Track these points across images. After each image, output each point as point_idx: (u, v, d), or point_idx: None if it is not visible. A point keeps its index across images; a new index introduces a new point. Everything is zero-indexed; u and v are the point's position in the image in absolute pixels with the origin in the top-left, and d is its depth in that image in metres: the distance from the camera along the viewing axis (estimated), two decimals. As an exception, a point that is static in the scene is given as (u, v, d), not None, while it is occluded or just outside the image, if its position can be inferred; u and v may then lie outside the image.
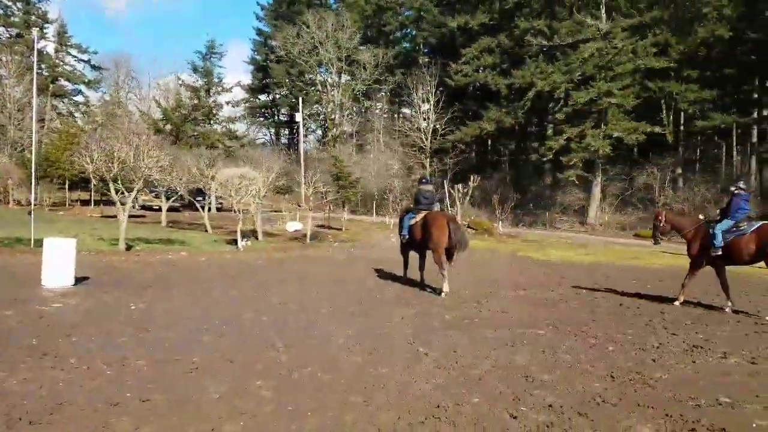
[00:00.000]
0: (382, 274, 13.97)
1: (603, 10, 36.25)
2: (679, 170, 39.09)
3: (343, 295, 10.47)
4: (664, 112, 40.39)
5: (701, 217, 10.59)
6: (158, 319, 7.88)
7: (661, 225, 10.56)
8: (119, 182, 17.65)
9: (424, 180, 12.69)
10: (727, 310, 9.55)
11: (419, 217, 11.32)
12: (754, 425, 4.36)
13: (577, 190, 39.30)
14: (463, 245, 10.97)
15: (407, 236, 11.64)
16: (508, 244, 25.67)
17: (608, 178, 38.69)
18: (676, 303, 10.02)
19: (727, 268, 9.96)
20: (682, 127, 41.33)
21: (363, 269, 15.21)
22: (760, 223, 9.64)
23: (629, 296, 11.01)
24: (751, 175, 38.86)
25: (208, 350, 6.22)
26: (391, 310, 9.10)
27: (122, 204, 17.63)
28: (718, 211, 10.45)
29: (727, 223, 9.58)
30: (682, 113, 40.28)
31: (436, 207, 12.25)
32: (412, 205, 12.80)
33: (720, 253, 9.55)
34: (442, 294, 10.46)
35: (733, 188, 9.97)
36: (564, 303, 10.08)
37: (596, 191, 37.66)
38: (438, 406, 4.58)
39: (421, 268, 11.97)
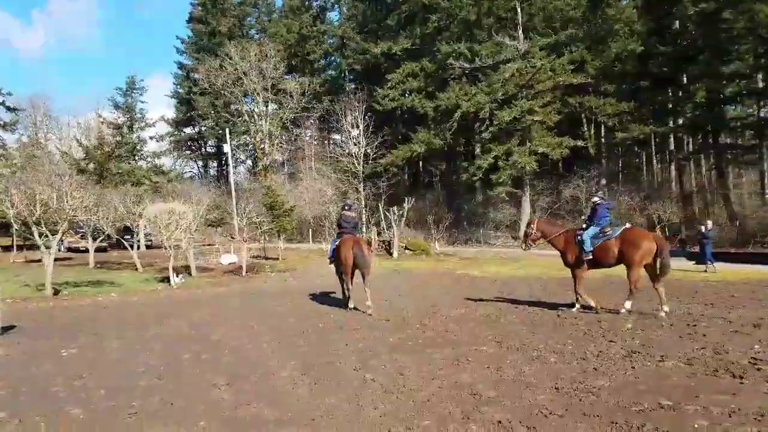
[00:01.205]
0: (323, 301, 13.86)
1: (520, 31, 38.02)
2: (604, 181, 41.09)
3: (284, 326, 10.26)
4: (585, 125, 42.60)
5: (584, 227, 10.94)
6: (92, 364, 7.45)
7: (533, 233, 11.26)
8: (42, 225, 16.66)
9: (346, 206, 13.42)
10: (573, 310, 10.62)
11: (339, 241, 12.32)
12: (696, 426, 4.57)
13: (508, 206, 40.57)
14: (364, 266, 11.82)
15: (331, 259, 12.81)
16: (446, 263, 26.10)
17: (536, 193, 40.14)
18: (574, 309, 10.71)
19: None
20: (603, 140, 43.67)
21: (302, 298, 15.00)
22: (624, 227, 10.61)
23: (566, 307, 11.34)
24: (671, 181, 41.59)
25: (147, 394, 5.93)
26: (334, 337, 9.00)
27: (47, 247, 16.64)
28: (583, 218, 11.35)
29: (593, 230, 10.48)
30: (603, 126, 42.58)
31: (357, 232, 13.15)
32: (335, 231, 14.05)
33: (591, 257, 10.40)
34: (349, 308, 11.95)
35: (595, 198, 11.07)
36: (504, 318, 10.31)
37: (526, 206, 38.97)
38: (388, 431, 4.55)
39: (347, 289, 12.53)
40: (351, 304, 12.13)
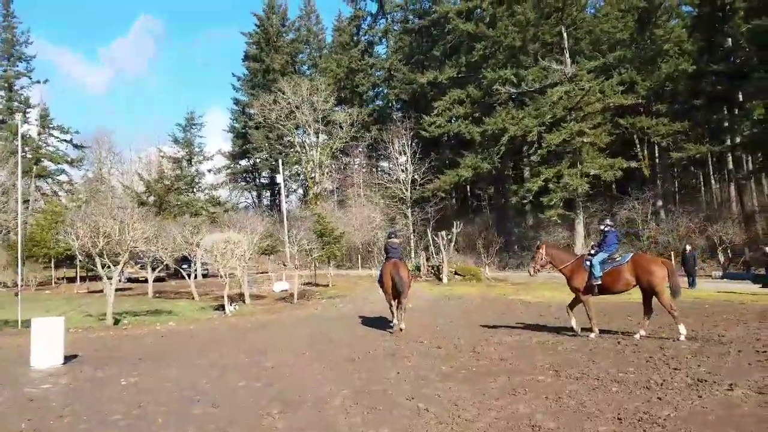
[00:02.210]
0: (373, 327, 13.83)
1: (567, 55, 37.61)
2: (660, 202, 39.73)
3: (335, 354, 10.25)
4: (638, 146, 41.44)
5: (591, 251, 11.12)
6: (150, 393, 7.62)
7: (542, 258, 11.23)
8: (105, 257, 17.39)
9: (392, 234, 14.59)
10: (592, 336, 10.51)
11: (383, 266, 13.65)
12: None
13: (561, 229, 39.61)
14: (401, 288, 12.81)
15: (380, 284, 13.93)
16: (497, 288, 25.60)
17: (590, 215, 39.13)
18: (592, 335, 10.59)
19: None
20: (657, 160, 42.33)
21: (353, 324, 15.01)
22: (632, 253, 10.86)
23: (626, 334, 10.93)
24: (731, 201, 39.70)
25: (203, 423, 6.01)
26: (386, 364, 8.92)
27: (108, 278, 17.32)
28: (590, 246, 11.83)
29: (601, 256, 10.62)
30: (656, 146, 41.32)
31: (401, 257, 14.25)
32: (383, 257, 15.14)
33: (599, 282, 10.50)
34: (391, 328, 13.06)
35: (602, 226, 11.30)
36: (561, 345, 9.98)
37: (579, 228, 37.99)
38: (445, 464, 4.44)
39: (392, 309, 13.56)
40: (395, 323, 13.13)
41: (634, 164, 38.46)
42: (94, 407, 6.91)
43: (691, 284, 21.95)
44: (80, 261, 19.20)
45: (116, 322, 17.16)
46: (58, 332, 10.32)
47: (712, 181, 43.88)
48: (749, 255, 32.02)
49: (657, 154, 42.37)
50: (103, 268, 17.04)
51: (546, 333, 11.58)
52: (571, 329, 11.05)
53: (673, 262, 32.04)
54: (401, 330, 12.70)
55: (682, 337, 9.88)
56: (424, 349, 10.30)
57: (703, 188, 45.21)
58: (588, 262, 10.69)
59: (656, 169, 42.57)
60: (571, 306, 11.28)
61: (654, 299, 10.36)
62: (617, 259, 10.56)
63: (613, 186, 42.28)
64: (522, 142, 40.50)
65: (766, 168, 37.96)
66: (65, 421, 6.29)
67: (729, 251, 32.04)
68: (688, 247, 23.85)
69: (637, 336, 10.24)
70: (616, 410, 5.74)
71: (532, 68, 39.25)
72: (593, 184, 37.45)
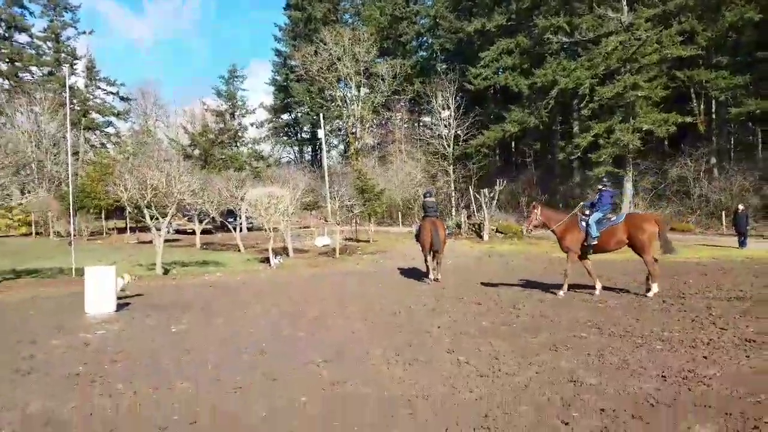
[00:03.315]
0: (413, 284, 13.98)
1: (624, 2, 35.61)
2: (714, 160, 38.03)
3: (376, 308, 10.42)
4: (694, 101, 39.48)
5: (585, 212, 11.18)
6: (199, 340, 7.96)
7: (536, 218, 11.39)
8: (153, 208, 17.98)
9: (427, 194, 15.42)
10: (597, 292, 10.76)
11: (421, 223, 14.89)
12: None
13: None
14: (437, 245, 13.89)
15: (417, 240, 15.12)
16: (539, 246, 25.28)
17: (640, 173, 37.87)
18: (561, 293, 10.84)
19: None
20: (714, 116, 40.29)
21: (394, 280, 15.19)
22: (625, 213, 11.47)
23: (672, 292, 10.72)
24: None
25: (250, 369, 6.24)
26: (426, 319, 9.02)
27: (157, 229, 17.94)
28: (580, 205, 11.70)
29: (597, 215, 10.82)
30: (713, 101, 39.27)
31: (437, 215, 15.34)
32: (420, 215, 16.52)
33: (597, 242, 10.72)
34: (427, 280, 14.06)
35: (600, 186, 11.40)
36: (604, 304, 9.85)
37: (628, 187, 36.85)
38: (486, 416, 4.49)
39: (428, 263, 14.64)
40: (431, 276, 14.17)
41: (689, 119, 36.72)
42: (146, 353, 7.26)
43: (742, 244, 21.28)
44: (129, 212, 19.87)
45: (165, 271, 17.85)
46: (110, 280, 10.80)
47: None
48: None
49: (714, 110, 40.28)
50: (151, 219, 17.62)
51: (588, 291, 11.41)
52: (604, 288, 11.07)
53: (723, 221, 31.29)
54: (437, 281, 13.83)
55: (650, 294, 10.25)
56: (464, 305, 10.35)
57: (760, 146, 42.90)
58: (584, 223, 10.88)
59: (712, 125, 40.55)
60: (587, 269, 11.25)
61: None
62: (612, 219, 10.91)
63: (665, 142, 40.58)
64: (572, 95, 39.08)
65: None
66: (119, 365, 6.63)
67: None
68: (740, 207, 22.98)
69: (650, 294, 10.36)
70: (660, 368, 5.67)
71: (587, 16, 37.37)
72: (645, 140, 36.05)
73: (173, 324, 9.21)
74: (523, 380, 5.44)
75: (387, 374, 5.87)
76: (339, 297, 12.11)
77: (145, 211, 17.45)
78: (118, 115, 58.25)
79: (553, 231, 11.43)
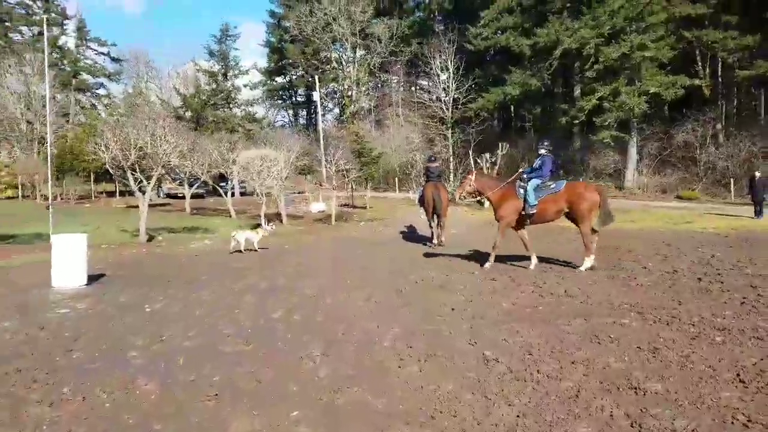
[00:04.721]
0: (416, 254, 12.82)
1: (632, -43, 33.79)
2: (719, 125, 36.78)
3: (379, 283, 9.34)
4: (700, 63, 38.02)
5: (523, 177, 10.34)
6: (176, 323, 6.86)
7: (470, 184, 10.58)
8: (137, 170, 16.68)
9: (432, 158, 15.90)
10: (531, 267, 9.97)
11: (424, 187, 15.01)
12: None
13: (612, 153, 37.34)
14: (440, 209, 14.08)
15: (420, 204, 15.54)
16: (545, 214, 24.24)
17: (644, 138, 36.64)
18: (487, 265, 10.23)
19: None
20: (720, 79, 38.84)
21: (395, 250, 14.10)
22: (565, 181, 10.34)
23: (704, 267, 9.69)
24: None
25: (231, 365, 5.16)
26: (437, 298, 7.94)
27: (142, 193, 16.68)
28: (520, 171, 10.83)
29: (535, 182, 9.93)
30: (720, 64, 37.79)
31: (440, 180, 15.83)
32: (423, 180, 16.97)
33: (534, 211, 9.83)
34: (431, 244, 14.22)
35: (542, 150, 10.37)
36: (634, 281, 8.78)
37: (632, 152, 35.72)
38: (536, 444, 3.43)
39: (432, 227, 14.82)
40: (434, 240, 14.32)
41: (697, 82, 35.32)
42: (110, 340, 6.16)
43: (758, 213, 20.18)
44: (112, 174, 18.57)
45: (150, 238, 16.70)
46: (80, 250, 9.61)
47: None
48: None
49: (720, 73, 38.81)
50: (135, 182, 16.36)
51: (612, 264, 10.37)
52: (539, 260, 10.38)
53: (732, 189, 30.29)
54: (441, 244, 14.00)
55: (582, 269, 9.64)
56: (476, 280, 9.28)
57: (763, 110, 41.53)
58: (522, 190, 10.01)
59: (718, 88, 39.14)
60: (524, 241, 10.46)
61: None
62: (551, 186, 9.98)
63: (665, 107, 39.24)
64: (576, 56, 37.38)
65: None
66: (73, 357, 5.54)
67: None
68: (757, 174, 21.50)
69: (582, 268, 9.72)
70: (733, 368, 4.63)
71: (592, -30, 35.54)
72: (650, 104, 34.68)
73: (149, 302, 8.09)
74: (571, 386, 4.36)
75: (400, 376, 4.79)
76: (336, 269, 11.02)
77: (129, 173, 16.17)
78: (109, 76, 56.24)
79: (488, 199, 10.69)
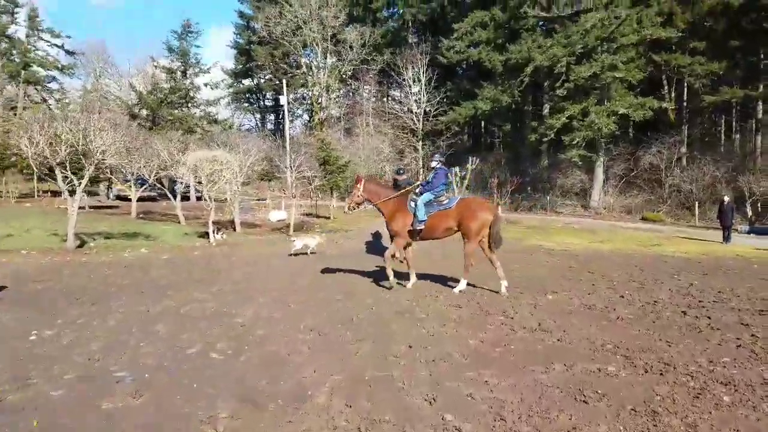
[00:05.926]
0: (377, 274, 11.59)
1: (604, -22, 33.72)
2: (684, 149, 36.85)
3: (329, 308, 8.12)
4: (667, 87, 38.16)
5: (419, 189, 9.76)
6: (57, 359, 5.49)
7: (359, 194, 9.79)
8: (67, 169, 15.03)
9: (400, 170, 13.35)
10: (409, 285, 9.64)
11: None
12: None
13: (579, 172, 37.07)
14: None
15: None
16: (511, 232, 23.37)
17: (611, 158, 36.48)
18: (409, 284, 9.73)
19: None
20: (686, 103, 39.06)
21: (354, 266, 12.84)
22: (459, 197, 9.82)
23: (685, 298, 8.81)
24: (757, 152, 36.57)
25: (109, 429, 3.86)
26: (393, 330, 6.77)
27: (71, 193, 15.04)
28: (417, 184, 10.02)
29: (427, 196, 9.38)
30: (686, 89, 37.99)
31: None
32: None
33: (422, 227, 9.28)
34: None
35: (434, 163, 9.76)
36: (614, 312, 7.78)
37: (599, 172, 35.47)
38: None
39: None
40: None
41: (665, 105, 35.35)
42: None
43: (726, 239, 19.81)
44: (36, 171, 16.85)
45: (82, 244, 15.08)
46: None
47: (733, 130, 40.65)
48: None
49: (686, 97, 39.04)
50: (65, 181, 14.73)
51: (586, 291, 9.39)
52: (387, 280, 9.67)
53: (696, 212, 30.17)
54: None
55: (456, 291, 9.15)
56: (440, 308, 8.13)
57: (723, 136, 41.93)
58: (413, 203, 9.43)
59: (683, 113, 39.37)
60: (405, 257, 9.99)
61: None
62: (444, 202, 9.40)
63: (630, 130, 39.33)
64: (547, 74, 37.12)
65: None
66: None
67: (759, 204, 29.67)
68: (725, 199, 21.29)
69: (456, 290, 9.20)
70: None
71: (565, -10, 35.37)
72: (618, 125, 34.52)
73: (39, 327, 6.67)
74: (556, 477, 3.24)
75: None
76: (282, 290, 9.72)
77: (57, 171, 14.52)
78: (62, 69, 53.41)
79: (379, 209, 9.86)
